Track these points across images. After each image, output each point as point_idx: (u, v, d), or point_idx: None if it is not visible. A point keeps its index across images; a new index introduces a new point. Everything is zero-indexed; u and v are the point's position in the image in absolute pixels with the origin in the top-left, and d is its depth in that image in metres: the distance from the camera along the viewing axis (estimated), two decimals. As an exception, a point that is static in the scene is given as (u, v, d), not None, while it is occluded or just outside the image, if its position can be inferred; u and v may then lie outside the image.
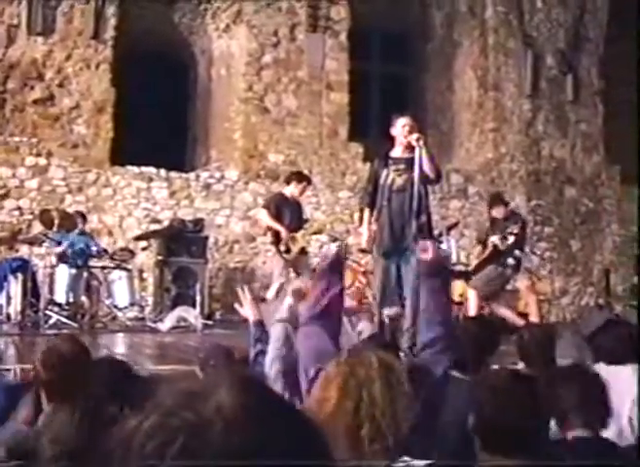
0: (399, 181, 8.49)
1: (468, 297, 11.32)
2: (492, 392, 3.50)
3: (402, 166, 8.48)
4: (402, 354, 6.87)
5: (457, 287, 12.62)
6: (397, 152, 8.64)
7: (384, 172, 8.61)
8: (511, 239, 10.74)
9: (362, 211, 9.03)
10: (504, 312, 11.24)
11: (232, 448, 1.04)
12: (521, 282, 11.22)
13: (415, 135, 8.29)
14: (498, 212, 11.26)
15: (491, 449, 3.32)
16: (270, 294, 10.74)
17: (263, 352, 5.11)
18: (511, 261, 10.94)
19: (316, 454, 1.13)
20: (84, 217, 12.45)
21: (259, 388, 1.18)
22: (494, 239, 10.89)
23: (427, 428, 3.95)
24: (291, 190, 11.44)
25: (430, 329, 4.13)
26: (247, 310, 5.38)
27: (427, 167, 8.27)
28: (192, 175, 14.72)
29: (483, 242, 11.42)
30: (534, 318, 10.69)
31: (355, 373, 2.85)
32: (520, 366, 4.78)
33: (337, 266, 4.82)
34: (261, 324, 5.31)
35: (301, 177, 11.73)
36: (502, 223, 11.12)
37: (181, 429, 1.05)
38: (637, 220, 15.10)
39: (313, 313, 4.46)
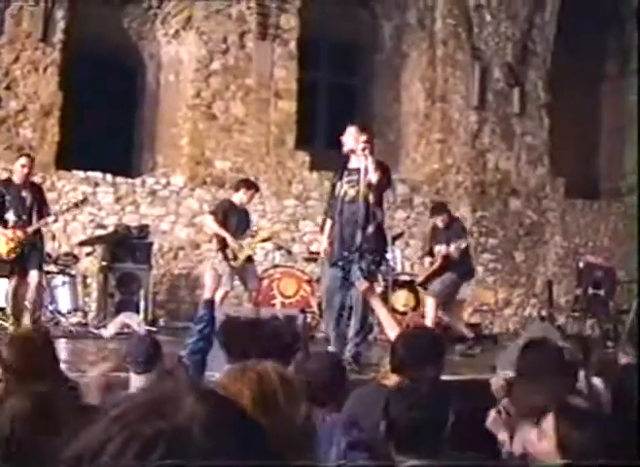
0: (351, 192, 8.52)
1: (426, 305, 11.24)
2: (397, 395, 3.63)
3: (354, 177, 8.49)
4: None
5: (400, 297, 12.68)
6: (352, 163, 8.67)
7: (338, 184, 8.66)
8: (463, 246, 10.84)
9: (324, 221, 9.12)
10: (453, 322, 11.30)
11: (212, 453, 1.06)
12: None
13: (361, 145, 8.33)
14: (441, 221, 11.31)
15: (403, 450, 3.48)
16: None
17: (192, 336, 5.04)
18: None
19: (270, 454, 1.18)
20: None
21: (219, 397, 1.22)
22: (441, 249, 10.94)
23: None
24: (239, 197, 11.45)
25: None
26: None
27: (371, 176, 8.28)
28: (137, 181, 14.64)
29: (429, 252, 11.44)
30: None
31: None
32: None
33: None
34: (210, 304, 5.22)
35: (249, 184, 11.74)
36: (444, 231, 11.18)
37: (158, 437, 1.06)
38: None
39: None
